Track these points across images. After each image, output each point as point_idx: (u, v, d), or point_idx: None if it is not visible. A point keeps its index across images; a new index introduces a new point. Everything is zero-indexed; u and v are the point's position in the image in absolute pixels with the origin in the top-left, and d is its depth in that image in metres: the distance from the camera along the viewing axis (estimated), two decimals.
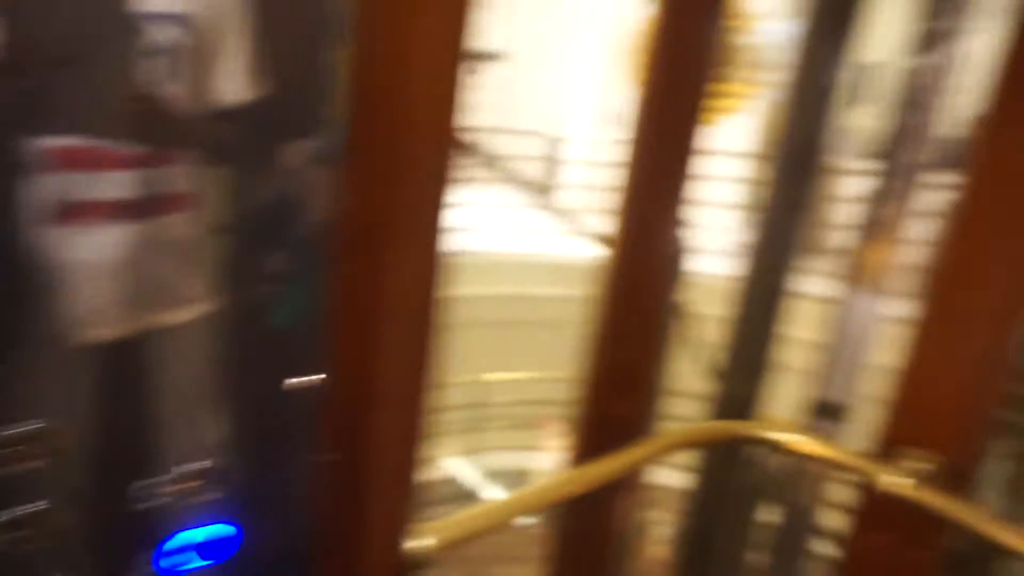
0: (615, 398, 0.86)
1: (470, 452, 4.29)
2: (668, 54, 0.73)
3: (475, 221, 4.81)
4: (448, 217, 0.51)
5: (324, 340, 0.51)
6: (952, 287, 0.81)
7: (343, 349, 0.50)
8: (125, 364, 1.38)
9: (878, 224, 1.19)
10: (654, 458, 0.86)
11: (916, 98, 1.17)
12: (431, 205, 0.48)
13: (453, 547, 0.69)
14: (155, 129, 1.22)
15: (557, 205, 4.68)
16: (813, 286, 1.37)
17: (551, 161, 6.56)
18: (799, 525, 1.26)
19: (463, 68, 0.47)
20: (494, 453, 4.35)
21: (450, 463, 4.30)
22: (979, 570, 1.03)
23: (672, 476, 1.82)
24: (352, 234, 0.48)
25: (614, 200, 0.77)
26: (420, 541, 0.64)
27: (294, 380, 1.26)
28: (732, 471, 1.28)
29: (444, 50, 0.45)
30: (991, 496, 1.12)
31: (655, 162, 0.76)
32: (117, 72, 1.19)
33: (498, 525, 0.72)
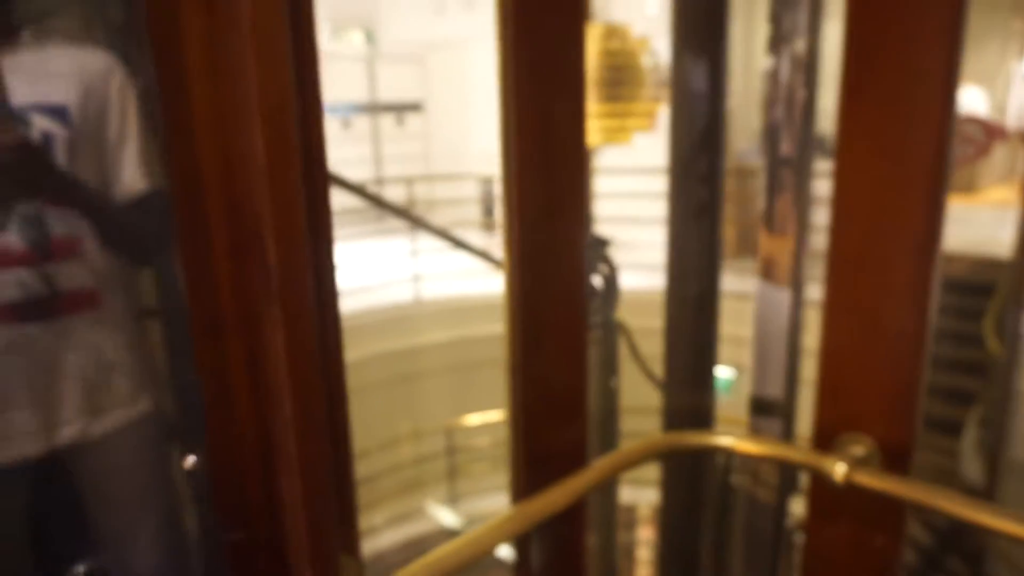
0: (549, 430, 0.85)
1: (453, 499, 4.23)
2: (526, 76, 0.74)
3: (423, 270, 4.83)
4: (330, 283, 0.51)
5: (205, 422, 0.49)
6: (851, 267, 0.82)
7: (227, 427, 0.49)
8: (48, 483, 1.32)
9: (775, 217, 1.21)
10: (598, 483, 0.85)
11: (778, 94, 1.21)
12: (289, 282, 0.48)
13: None
14: (47, 218, 1.19)
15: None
16: (741, 285, 1.39)
17: (490, 199, 6.67)
18: (766, 524, 1.26)
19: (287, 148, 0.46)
20: (477, 496, 4.29)
21: (439, 512, 4.23)
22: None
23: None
24: (207, 319, 0.48)
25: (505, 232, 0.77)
26: None
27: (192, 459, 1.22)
28: (693, 482, 1.28)
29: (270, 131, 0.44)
30: None
31: (539, 186, 0.76)
32: None
33: (450, 572, 0.70)
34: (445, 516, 4.13)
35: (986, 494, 3.35)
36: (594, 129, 3.00)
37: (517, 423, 0.84)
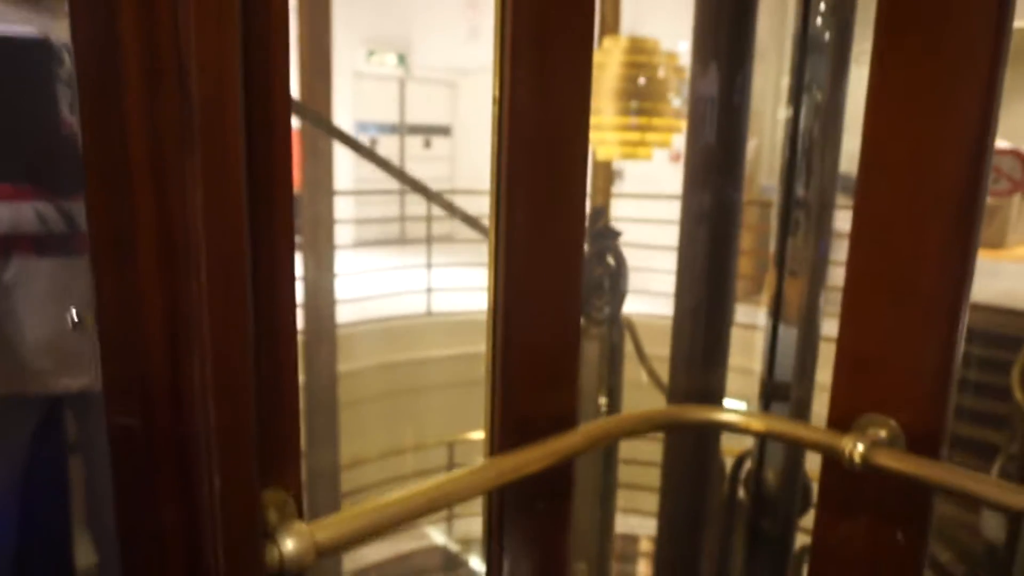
0: (532, 393, 0.77)
1: (449, 517, 4.09)
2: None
3: (438, 283, 4.78)
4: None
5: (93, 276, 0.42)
6: (878, 228, 0.74)
7: (124, 287, 0.41)
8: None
9: (790, 258, 1.16)
10: (586, 448, 0.76)
11: (801, 138, 1.18)
12: (214, 125, 0.41)
13: (338, 551, 0.58)
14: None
15: None
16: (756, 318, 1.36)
17: None
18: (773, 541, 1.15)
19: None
20: (475, 517, 4.15)
21: (432, 531, 4.09)
22: None
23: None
24: (106, 159, 0.41)
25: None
26: (291, 543, 0.54)
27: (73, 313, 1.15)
28: (694, 490, 1.18)
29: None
30: None
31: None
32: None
33: (397, 522, 0.62)
34: (438, 535, 3.99)
35: (1007, 549, 3.17)
36: (612, 142, 2.94)
37: (494, 385, 0.76)
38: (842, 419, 0.78)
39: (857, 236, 0.76)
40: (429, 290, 4.79)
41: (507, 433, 0.77)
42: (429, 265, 4.82)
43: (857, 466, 0.71)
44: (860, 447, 0.70)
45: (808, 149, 1.25)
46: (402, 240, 6.33)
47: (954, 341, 0.74)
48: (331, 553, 0.57)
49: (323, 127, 2.36)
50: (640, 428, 0.80)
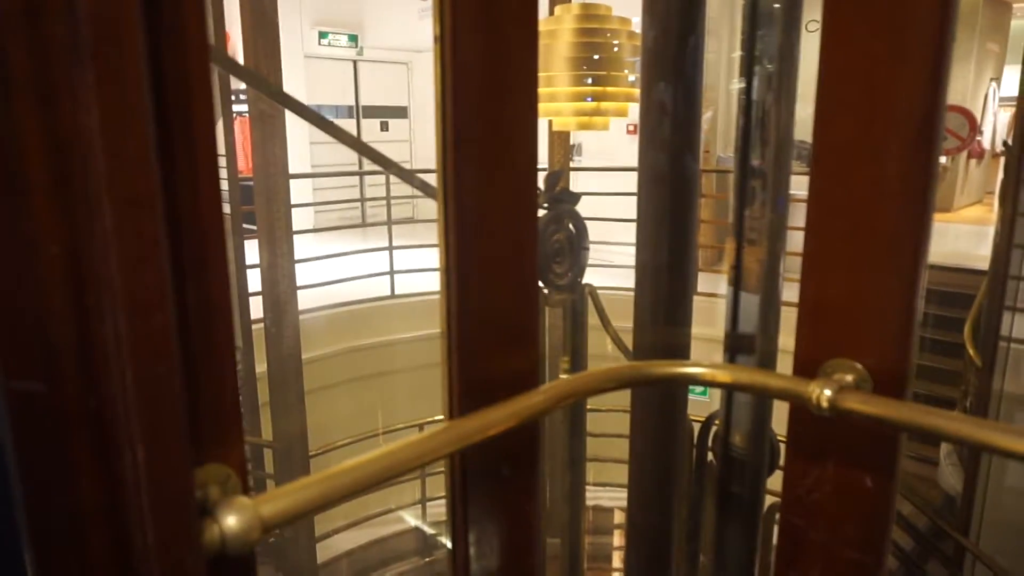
0: (492, 358, 0.73)
1: (422, 500, 4.07)
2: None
3: (399, 264, 4.71)
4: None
5: None
6: (838, 161, 0.72)
7: (16, 234, 0.37)
8: None
9: (748, 227, 1.15)
10: (550, 408, 0.73)
11: (754, 108, 1.17)
12: (107, 39, 0.36)
13: (285, 524, 0.54)
14: None
15: None
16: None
17: None
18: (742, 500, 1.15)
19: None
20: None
21: (406, 513, 4.06)
22: None
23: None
24: None
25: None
26: (233, 518, 0.50)
27: None
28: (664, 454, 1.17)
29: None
30: None
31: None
32: None
33: (351, 492, 0.58)
34: (412, 517, 3.97)
35: (965, 499, 3.26)
36: (568, 112, 2.90)
37: (451, 349, 0.72)
38: (808, 365, 0.76)
39: (817, 169, 0.74)
40: (392, 272, 4.72)
41: (467, 396, 0.73)
42: (391, 248, 4.75)
43: (825, 411, 0.69)
44: (827, 392, 0.69)
45: (762, 119, 1.25)
46: (363, 223, 6.23)
47: (916, 281, 0.72)
48: (278, 527, 0.53)
49: (275, 97, 2.28)
50: (605, 385, 0.77)
